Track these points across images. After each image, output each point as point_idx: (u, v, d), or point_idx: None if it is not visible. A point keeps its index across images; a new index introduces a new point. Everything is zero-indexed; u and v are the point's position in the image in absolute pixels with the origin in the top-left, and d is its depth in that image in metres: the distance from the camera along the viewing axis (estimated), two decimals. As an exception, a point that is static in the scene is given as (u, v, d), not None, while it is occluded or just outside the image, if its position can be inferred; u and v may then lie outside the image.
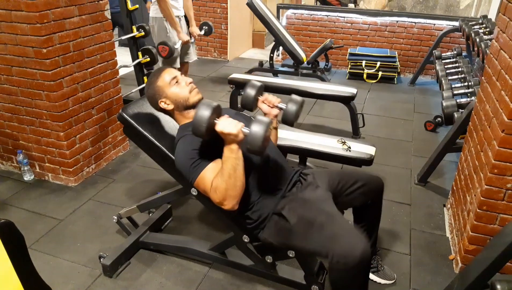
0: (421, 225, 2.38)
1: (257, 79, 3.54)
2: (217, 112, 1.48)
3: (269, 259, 1.77)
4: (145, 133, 1.76)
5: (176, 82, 1.67)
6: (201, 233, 2.28)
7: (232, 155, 1.45)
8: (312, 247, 1.49)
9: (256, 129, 1.40)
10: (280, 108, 1.74)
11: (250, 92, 1.73)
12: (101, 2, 2.61)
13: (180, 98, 1.66)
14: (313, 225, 1.47)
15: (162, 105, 1.68)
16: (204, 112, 1.42)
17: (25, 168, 2.70)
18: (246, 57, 5.92)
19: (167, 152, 1.75)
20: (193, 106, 1.67)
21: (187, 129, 1.58)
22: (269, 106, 1.74)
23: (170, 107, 1.68)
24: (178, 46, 3.34)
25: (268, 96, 1.75)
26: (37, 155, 2.68)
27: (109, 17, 2.70)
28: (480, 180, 1.87)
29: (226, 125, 1.43)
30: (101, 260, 1.97)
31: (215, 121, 1.45)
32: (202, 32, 3.69)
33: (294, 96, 1.75)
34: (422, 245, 2.22)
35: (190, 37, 3.51)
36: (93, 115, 2.74)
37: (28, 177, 2.72)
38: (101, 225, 2.33)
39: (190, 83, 1.70)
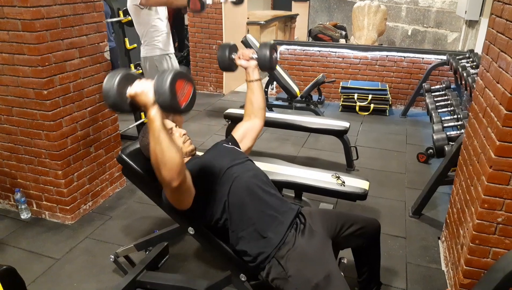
0: (416, 258, 2.40)
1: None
2: (129, 78, 1.35)
3: (266, 297, 1.77)
4: (144, 174, 1.80)
5: (171, 133, 1.73)
6: (198, 271, 2.28)
7: (151, 125, 1.34)
8: None
9: (160, 79, 1.24)
10: (256, 58, 1.88)
11: (222, 53, 1.87)
12: (101, 44, 2.71)
13: None
14: (309, 284, 1.47)
15: None
16: (111, 78, 1.30)
17: (23, 207, 2.71)
18: (241, 91, 6.04)
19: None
20: (186, 155, 1.75)
21: None
22: (245, 59, 1.90)
23: None
24: (209, 1, 3.14)
25: (242, 51, 1.91)
26: (35, 193, 2.70)
27: (109, 58, 2.80)
28: (472, 214, 1.91)
29: (139, 85, 1.33)
30: (98, 300, 1.96)
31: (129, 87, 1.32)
32: None
33: (263, 42, 1.92)
34: (418, 280, 2.23)
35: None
36: (91, 153, 2.78)
37: (25, 215, 2.73)
38: (97, 264, 2.33)
39: (184, 134, 1.78)
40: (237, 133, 1.98)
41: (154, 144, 1.35)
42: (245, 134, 1.98)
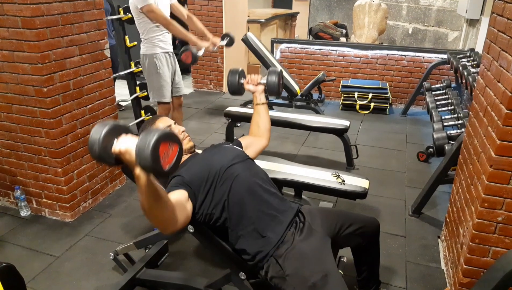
0: (416, 257, 2.40)
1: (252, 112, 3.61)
2: (116, 131, 1.25)
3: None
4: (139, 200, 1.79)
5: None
6: (197, 269, 2.28)
7: (138, 184, 1.22)
8: None
9: (143, 142, 1.13)
10: (263, 83, 2.01)
11: (233, 78, 2.00)
12: (101, 41, 2.70)
13: None
14: (306, 283, 1.47)
15: None
16: (97, 131, 1.21)
17: (22, 204, 2.71)
18: (241, 89, 6.04)
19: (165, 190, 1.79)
20: (184, 152, 1.75)
21: (176, 172, 1.64)
22: (254, 84, 2.02)
23: None
24: (201, 53, 3.24)
25: (250, 76, 2.02)
26: (35, 191, 2.70)
27: (109, 55, 2.79)
28: (472, 213, 1.91)
29: (124, 143, 1.22)
30: (98, 298, 1.96)
31: (115, 141, 1.23)
32: (224, 42, 3.43)
33: (271, 68, 2.03)
34: (417, 279, 2.23)
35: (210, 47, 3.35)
36: (91, 151, 2.78)
37: (25, 213, 2.73)
38: (97, 261, 2.33)
39: (183, 131, 1.79)
40: (243, 140, 2.01)
41: (141, 199, 1.27)
42: (250, 145, 2.01)
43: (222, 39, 3.44)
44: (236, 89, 2.03)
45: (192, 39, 3.22)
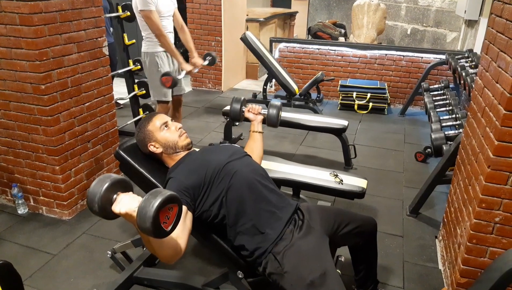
0: (413, 257, 2.40)
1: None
2: (120, 186, 1.23)
3: (263, 295, 1.77)
4: (142, 170, 1.79)
5: (166, 127, 1.77)
6: (195, 267, 2.27)
7: (142, 236, 1.30)
8: None
9: (142, 212, 1.12)
10: (263, 114, 2.11)
11: (236, 106, 2.10)
12: (99, 39, 2.69)
13: (169, 142, 1.75)
14: (304, 281, 1.47)
15: (151, 148, 1.77)
16: (96, 190, 1.17)
17: (20, 202, 2.70)
18: (239, 88, 6.03)
19: (163, 189, 1.78)
20: (182, 149, 1.78)
21: (174, 171, 1.68)
22: (254, 113, 2.09)
23: (158, 150, 1.76)
24: (181, 76, 3.38)
25: (251, 106, 2.11)
26: (32, 188, 2.69)
27: (107, 53, 2.78)
28: (469, 214, 1.91)
29: (122, 205, 1.19)
30: (95, 296, 1.95)
31: (115, 197, 1.21)
32: (206, 63, 3.51)
33: (272, 101, 2.17)
34: (415, 278, 2.23)
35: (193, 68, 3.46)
36: (89, 149, 2.77)
37: (22, 210, 2.72)
38: (94, 259, 2.32)
39: (180, 128, 1.79)
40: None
41: (145, 245, 1.38)
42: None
43: (204, 59, 3.53)
44: (237, 116, 2.12)
45: (179, 59, 3.30)
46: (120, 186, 1.23)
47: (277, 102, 2.16)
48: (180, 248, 1.42)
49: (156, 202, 1.10)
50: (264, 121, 2.14)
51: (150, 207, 1.10)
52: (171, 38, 3.28)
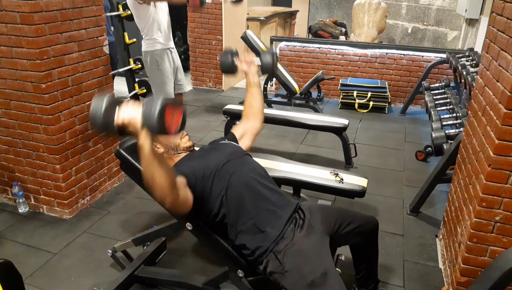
0: (414, 256, 2.40)
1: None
2: (115, 102, 1.32)
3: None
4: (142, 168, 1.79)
5: None
6: (195, 266, 2.28)
7: (140, 152, 1.31)
8: None
9: (148, 110, 1.20)
10: (257, 63, 2.01)
11: (227, 57, 1.98)
12: (100, 38, 2.69)
13: (171, 143, 1.75)
14: (305, 280, 1.47)
15: None
16: (99, 102, 1.26)
17: (20, 200, 2.70)
18: (240, 87, 6.03)
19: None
20: (183, 150, 1.78)
21: (174, 166, 1.68)
22: (247, 63, 2.02)
23: (160, 151, 1.75)
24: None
25: (243, 56, 2.03)
26: (33, 187, 2.70)
27: (108, 52, 2.78)
28: (470, 213, 1.91)
29: (126, 112, 1.29)
30: (95, 295, 1.96)
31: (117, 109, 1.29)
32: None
33: (266, 50, 1.97)
34: (415, 277, 2.23)
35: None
36: (90, 147, 2.77)
37: (23, 209, 2.72)
38: (95, 258, 2.33)
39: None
40: (236, 131, 2.01)
41: (144, 168, 1.36)
42: (245, 133, 2.01)
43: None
44: (228, 68, 1.99)
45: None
46: (120, 102, 1.30)
47: (272, 49, 2.10)
48: (178, 192, 1.42)
49: (162, 98, 1.19)
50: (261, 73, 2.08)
51: (156, 101, 1.18)
52: (164, 19, 3.24)
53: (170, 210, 1.62)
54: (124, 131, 1.31)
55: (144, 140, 1.28)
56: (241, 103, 4.68)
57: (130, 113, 1.27)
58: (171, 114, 1.22)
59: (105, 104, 1.24)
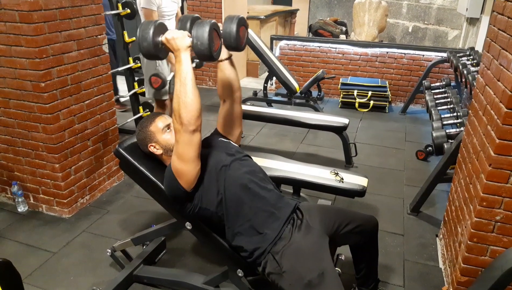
0: (414, 256, 2.40)
1: (251, 109, 3.60)
2: (161, 28, 1.53)
3: (263, 293, 1.77)
4: (142, 168, 1.78)
5: (169, 129, 1.74)
6: (195, 266, 2.27)
7: (180, 66, 1.47)
8: None
9: (200, 31, 1.46)
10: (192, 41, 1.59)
11: (146, 33, 1.48)
12: (99, 36, 2.68)
13: (170, 145, 1.72)
14: (302, 281, 1.47)
15: (152, 149, 1.75)
16: (148, 26, 1.48)
17: (19, 200, 2.70)
18: (241, 86, 6.01)
19: (162, 187, 1.77)
20: None
21: None
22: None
23: (159, 151, 1.75)
24: (170, 77, 3.38)
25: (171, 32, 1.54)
26: (32, 186, 2.69)
27: (107, 51, 2.77)
28: (470, 212, 1.90)
29: (173, 32, 1.50)
30: (94, 294, 1.95)
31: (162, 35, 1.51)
32: (193, 65, 3.54)
33: (228, 15, 1.59)
34: (415, 277, 2.23)
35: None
36: (89, 146, 2.77)
37: (22, 208, 2.72)
38: (94, 258, 2.32)
39: None
40: (221, 126, 1.90)
41: (179, 86, 1.46)
42: (229, 124, 1.89)
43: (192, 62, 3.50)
44: (151, 52, 1.49)
45: (171, 60, 3.29)
46: (165, 28, 1.56)
47: (236, 15, 1.59)
48: (201, 116, 1.50)
49: (211, 23, 1.46)
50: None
51: (207, 23, 1.45)
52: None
53: (179, 165, 1.52)
54: (167, 50, 1.53)
55: (187, 56, 1.47)
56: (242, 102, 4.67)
57: (177, 32, 1.49)
58: (215, 38, 1.51)
59: (154, 25, 1.47)
